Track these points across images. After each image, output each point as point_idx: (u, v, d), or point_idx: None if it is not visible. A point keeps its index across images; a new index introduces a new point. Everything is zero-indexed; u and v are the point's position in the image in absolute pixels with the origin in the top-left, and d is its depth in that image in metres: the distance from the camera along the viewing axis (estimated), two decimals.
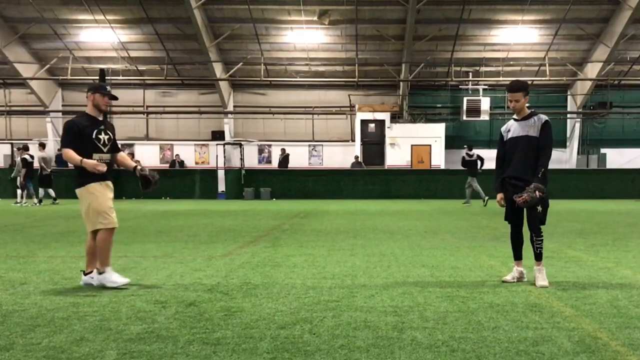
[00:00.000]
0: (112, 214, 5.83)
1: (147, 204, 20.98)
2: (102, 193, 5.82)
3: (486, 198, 18.97)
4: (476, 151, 20.25)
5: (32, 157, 20.88)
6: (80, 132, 5.79)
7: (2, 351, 3.73)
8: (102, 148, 5.94)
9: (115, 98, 6.24)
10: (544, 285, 5.77)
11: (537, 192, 5.68)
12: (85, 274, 5.98)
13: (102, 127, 5.98)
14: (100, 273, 5.82)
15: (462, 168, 20.46)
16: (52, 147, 28.84)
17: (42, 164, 20.73)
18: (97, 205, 5.76)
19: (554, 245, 8.92)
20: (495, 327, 4.29)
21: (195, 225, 12.82)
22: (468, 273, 6.58)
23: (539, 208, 5.83)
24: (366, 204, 20.62)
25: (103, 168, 5.73)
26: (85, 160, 5.69)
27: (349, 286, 5.81)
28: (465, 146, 20.85)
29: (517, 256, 6.12)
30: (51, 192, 20.90)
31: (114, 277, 5.80)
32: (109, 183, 5.97)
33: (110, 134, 6.06)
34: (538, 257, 5.92)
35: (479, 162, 19.64)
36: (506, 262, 7.33)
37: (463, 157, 20.05)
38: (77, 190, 5.86)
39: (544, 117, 5.93)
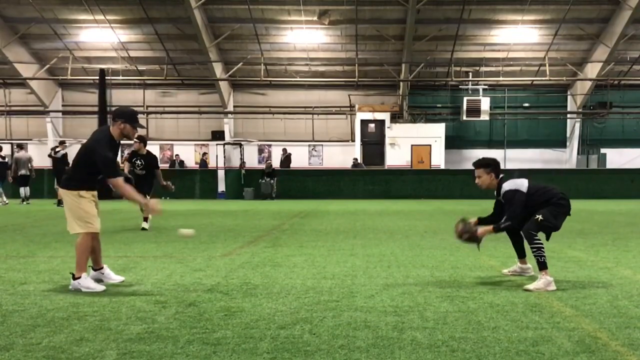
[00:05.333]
0: (96, 221, 5.79)
1: None
2: (90, 199, 5.81)
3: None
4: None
5: None
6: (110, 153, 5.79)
7: (2, 351, 3.73)
8: None
9: (143, 127, 6.31)
10: (527, 288, 5.56)
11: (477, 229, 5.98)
12: (95, 270, 6.01)
13: (117, 152, 5.98)
14: (75, 278, 5.67)
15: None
16: (52, 146, 28.76)
17: (14, 165, 20.97)
18: (84, 210, 5.74)
19: (554, 245, 8.89)
20: (495, 327, 4.29)
21: (195, 225, 12.80)
22: (468, 273, 6.58)
23: (539, 217, 5.68)
24: (366, 204, 20.62)
25: (160, 210, 5.99)
26: (150, 201, 6.07)
27: (349, 286, 5.81)
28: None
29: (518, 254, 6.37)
30: (23, 191, 20.93)
31: (90, 284, 5.66)
32: (95, 193, 5.95)
33: (118, 160, 6.11)
34: (539, 265, 5.69)
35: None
36: (506, 262, 7.33)
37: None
38: (64, 191, 5.82)
39: (504, 188, 5.87)
